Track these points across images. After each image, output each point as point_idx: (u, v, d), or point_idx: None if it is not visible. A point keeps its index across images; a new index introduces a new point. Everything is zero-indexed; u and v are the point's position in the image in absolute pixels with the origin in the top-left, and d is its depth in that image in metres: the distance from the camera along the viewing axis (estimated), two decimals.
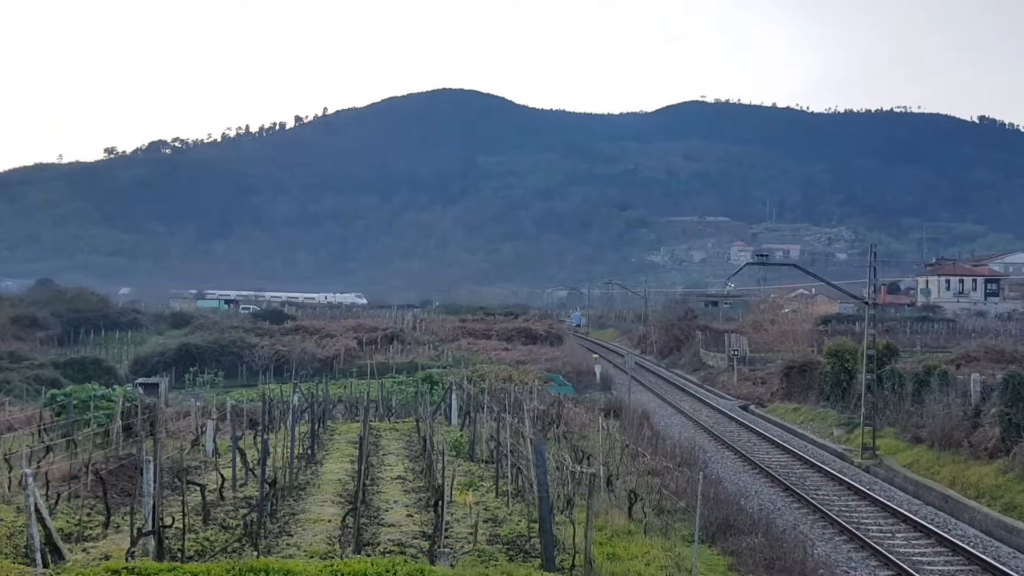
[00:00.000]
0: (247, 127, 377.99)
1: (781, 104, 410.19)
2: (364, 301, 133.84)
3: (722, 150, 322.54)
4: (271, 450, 18.48)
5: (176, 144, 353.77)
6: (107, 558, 12.39)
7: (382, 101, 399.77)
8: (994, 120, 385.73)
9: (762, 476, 28.08)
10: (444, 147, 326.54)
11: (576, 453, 20.12)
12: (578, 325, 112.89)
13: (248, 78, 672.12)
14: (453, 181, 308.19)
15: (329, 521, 15.81)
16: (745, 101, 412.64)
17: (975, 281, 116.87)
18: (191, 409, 30.79)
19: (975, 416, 26.94)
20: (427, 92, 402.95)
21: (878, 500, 24.16)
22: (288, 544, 14.19)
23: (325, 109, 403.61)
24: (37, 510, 11.94)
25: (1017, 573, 17.64)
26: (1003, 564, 18.24)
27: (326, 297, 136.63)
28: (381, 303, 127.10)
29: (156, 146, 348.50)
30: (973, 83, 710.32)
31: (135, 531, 12.11)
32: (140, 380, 42.25)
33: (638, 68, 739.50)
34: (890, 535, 20.95)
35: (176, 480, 17.06)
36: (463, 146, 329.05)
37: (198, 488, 15.99)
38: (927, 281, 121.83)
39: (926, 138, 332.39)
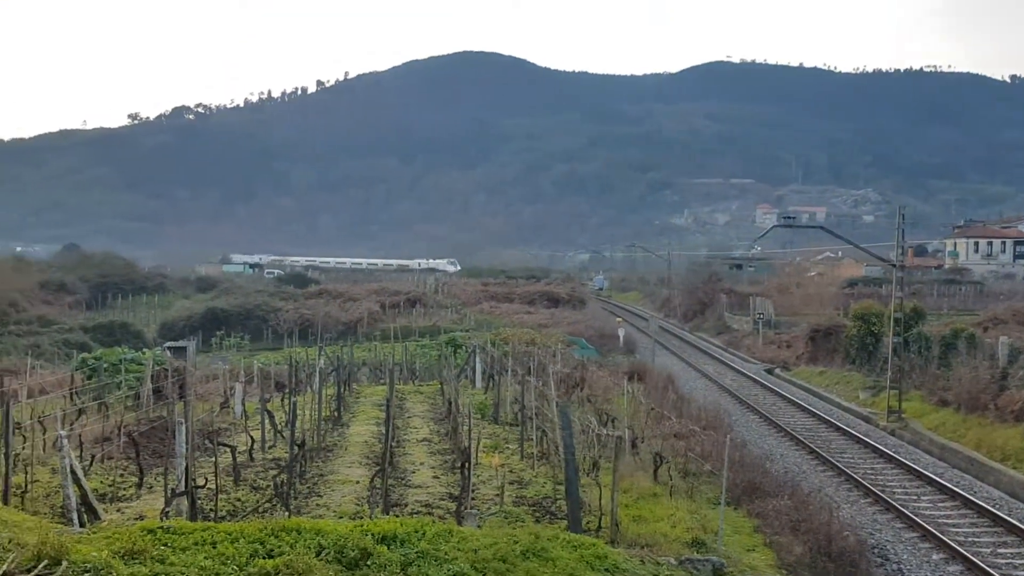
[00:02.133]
0: (269, 92, 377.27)
1: (808, 64, 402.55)
2: (458, 268, 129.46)
3: (747, 111, 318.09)
4: (298, 412, 18.70)
5: (199, 110, 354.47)
6: (141, 518, 12.63)
7: (403, 64, 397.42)
8: None
9: (787, 439, 28.11)
10: (465, 110, 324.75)
11: (601, 416, 20.17)
12: (600, 288, 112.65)
13: (269, 43, 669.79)
14: (474, 144, 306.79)
15: (357, 482, 16.01)
16: (771, 61, 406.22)
17: (1004, 243, 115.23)
18: (218, 372, 31.14)
19: (1002, 379, 26.80)
20: (448, 55, 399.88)
21: (904, 463, 24.13)
22: (318, 504, 14.39)
23: (346, 73, 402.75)
24: (72, 471, 12.17)
25: None
26: None
27: (420, 264, 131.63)
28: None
29: (179, 112, 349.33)
30: (1004, 42, 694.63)
31: (168, 492, 12.32)
32: (168, 344, 42.69)
33: (661, 28, 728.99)
34: (915, 498, 20.95)
35: (206, 442, 17.32)
36: (484, 109, 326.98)
37: (228, 450, 16.22)
38: (955, 243, 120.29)
39: (956, 98, 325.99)
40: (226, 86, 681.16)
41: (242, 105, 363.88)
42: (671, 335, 63.42)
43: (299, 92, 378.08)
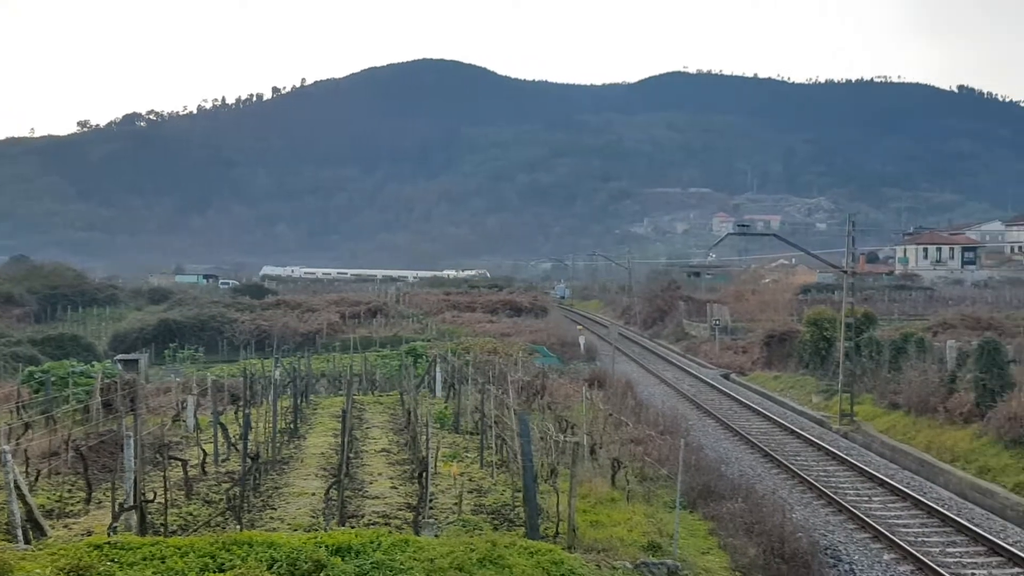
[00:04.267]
0: (223, 99, 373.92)
1: (763, 75, 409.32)
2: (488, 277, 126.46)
3: (704, 121, 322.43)
4: (253, 425, 18.47)
5: (151, 117, 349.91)
6: (89, 534, 12.37)
7: (361, 72, 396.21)
8: (972, 89, 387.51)
9: (743, 443, 28.42)
10: (426, 118, 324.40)
11: (560, 423, 20.22)
12: (562, 297, 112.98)
13: (223, 49, 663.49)
14: (436, 153, 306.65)
15: (313, 494, 15.83)
16: (727, 72, 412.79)
17: (952, 250, 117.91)
18: (171, 385, 30.65)
19: (951, 382, 27.33)
20: (408, 62, 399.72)
21: (855, 465, 24.53)
22: (272, 518, 14.21)
23: (303, 80, 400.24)
24: (17, 487, 11.89)
25: (990, 534, 18.00)
26: (976, 526, 18.62)
27: (450, 275, 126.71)
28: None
29: (130, 119, 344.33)
30: (952, 53, 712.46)
31: (117, 507, 12.08)
32: (119, 356, 41.97)
33: (620, 39, 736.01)
34: (867, 499, 21.30)
35: (158, 456, 17.00)
36: (446, 117, 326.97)
37: (180, 463, 15.96)
38: (905, 250, 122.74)
39: (906, 108, 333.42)
40: (178, 92, 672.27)
41: (195, 112, 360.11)
42: (631, 342, 63.80)
43: (254, 99, 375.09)
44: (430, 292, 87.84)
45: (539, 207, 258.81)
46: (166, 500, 12.69)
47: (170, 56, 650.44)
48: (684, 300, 71.39)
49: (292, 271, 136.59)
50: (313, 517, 14.10)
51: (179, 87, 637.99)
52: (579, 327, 63.76)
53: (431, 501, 14.67)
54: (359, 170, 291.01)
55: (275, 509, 14.86)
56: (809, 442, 28.09)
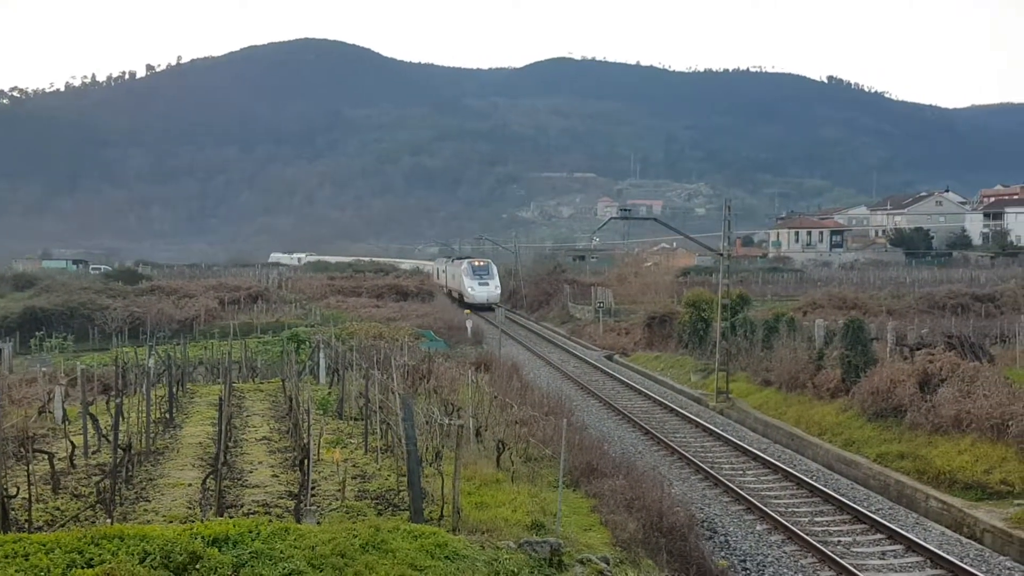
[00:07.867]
0: (94, 76, 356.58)
1: (644, 63, 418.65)
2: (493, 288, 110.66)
3: (589, 107, 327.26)
4: (126, 415, 17.73)
5: (15, 94, 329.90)
6: None
7: (241, 50, 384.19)
8: (841, 80, 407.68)
9: (625, 422, 29.14)
10: (309, 99, 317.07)
11: (446, 407, 20.20)
12: None
13: (92, 23, 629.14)
14: (319, 135, 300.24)
15: (189, 485, 15.35)
16: (610, 59, 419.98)
17: (821, 233, 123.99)
18: (38, 375, 29.06)
19: (819, 359, 28.69)
20: (289, 41, 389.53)
21: (730, 440, 25.53)
22: (146, 510, 13.70)
23: (179, 58, 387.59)
24: None
25: (854, 503, 19.07)
26: (842, 495, 19.68)
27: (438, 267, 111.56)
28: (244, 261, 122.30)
29: None
30: (822, 44, 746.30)
31: None
32: None
33: (506, 24, 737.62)
34: (741, 472, 22.21)
35: (21, 449, 16.11)
36: (329, 98, 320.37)
37: (46, 456, 15.18)
38: (778, 234, 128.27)
39: (779, 97, 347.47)
40: (44, 69, 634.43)
41: (63, 89, 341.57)
42: (518, 325, 64.40)
43: (127, 76, 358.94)
44: (313, 277, 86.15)
45: (424, 191, 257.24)
46: (30, 495, 12.03)
47: (35, 30, 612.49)
48: (569, 283, 72.53)
49: (299, 259, 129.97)
50: (189, 508, 13.67)
51: (45, 63, 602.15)
52: (466, 311, 63.86)
53: (313, 488, 14.44)
54: (238, 151, 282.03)
55: (149, 501, 14.32)
56: (687, 419, 29.06)
